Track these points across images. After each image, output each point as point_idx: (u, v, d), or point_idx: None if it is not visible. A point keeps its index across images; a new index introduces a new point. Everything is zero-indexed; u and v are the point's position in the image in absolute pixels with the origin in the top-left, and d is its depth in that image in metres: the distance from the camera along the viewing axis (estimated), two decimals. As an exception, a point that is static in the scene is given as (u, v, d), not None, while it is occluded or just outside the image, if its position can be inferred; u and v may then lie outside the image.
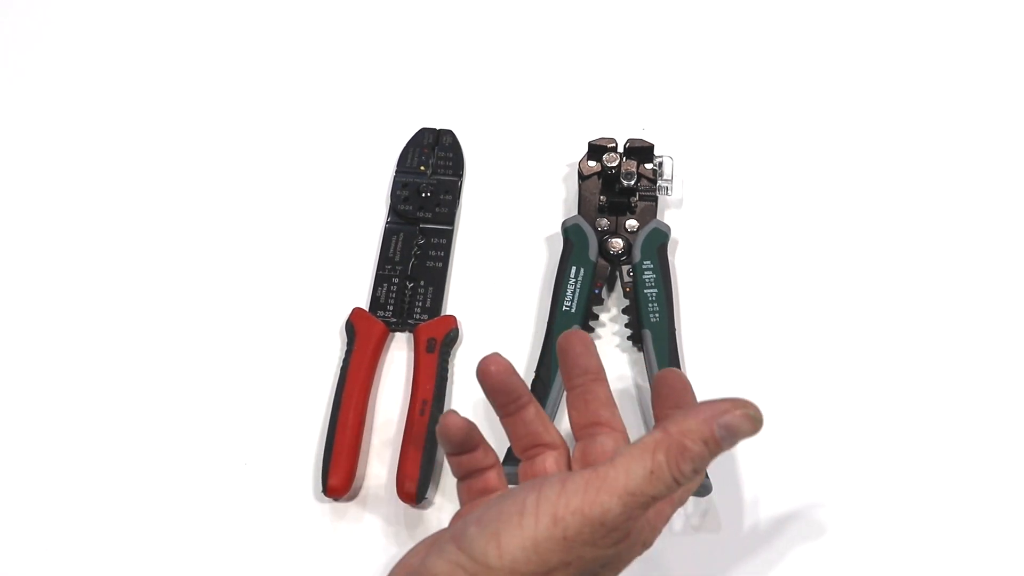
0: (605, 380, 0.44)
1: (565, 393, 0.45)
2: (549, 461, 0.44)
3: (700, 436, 0.36)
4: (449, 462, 0.44)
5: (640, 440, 0.37)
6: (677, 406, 0.42)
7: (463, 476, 0.44)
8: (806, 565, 0.49)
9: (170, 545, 0.50)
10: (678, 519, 0.50)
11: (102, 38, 0.69)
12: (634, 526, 0.38)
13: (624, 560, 0.40)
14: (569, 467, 0.44)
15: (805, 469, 0.51)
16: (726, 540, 0.50)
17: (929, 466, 0.51)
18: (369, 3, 0.70)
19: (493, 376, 0.43)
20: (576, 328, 0.44)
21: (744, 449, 0.52)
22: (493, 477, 0.44)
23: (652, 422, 0.52)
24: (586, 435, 0.43)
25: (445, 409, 0.53)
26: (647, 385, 0.53)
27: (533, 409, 0.44)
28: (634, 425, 0.53)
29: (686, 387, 0.43)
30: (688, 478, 0.36)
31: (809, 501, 0.51)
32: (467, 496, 0.44)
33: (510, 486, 0.44)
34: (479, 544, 0.36)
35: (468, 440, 0.43)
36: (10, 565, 0.50)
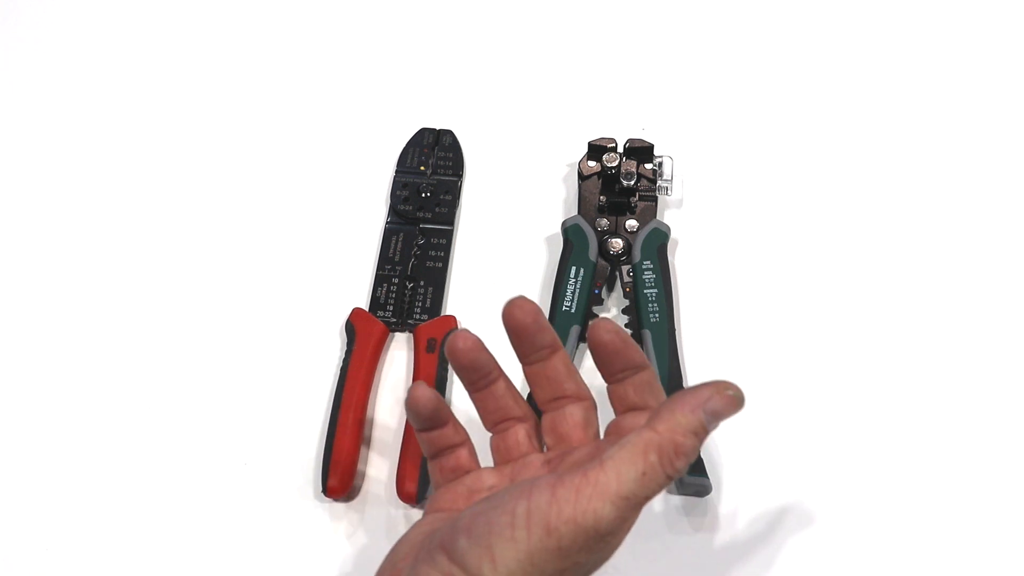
0: (562, 349, 0.43)
1: (522, 368, 0.44)
2: (520, 434, 0.43)
3: (690, 429, 0.36)
4: (419, 439, 0.44)
5: (629, 441, 0.36)
6: (626, 368, 0.41)
7: (434, 454, 0.44)
8: (806, 565, 0.49)
9: (170, 545, 0.50)
10: (678, 519, 0.50)
11: (102, 39, 0.69)
12: (627, 523, 0.37)
13: (615, 549, 0.39)
14: (540, 439, 0.44)
15: (805, 469, 0.51)
16: (726, 540, 0.50)
17: (929, 466, 0.51)
18: (369, 3, 0.70)
19: (462, 353, 0.42)
20: (519, 296, 0.42)
21: (744, 449, 0.52)
22: (464, 455, 0.44)
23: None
24: (553, 407, 0.43)
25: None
26: (647, 385, 0.53)
27: (503, 383, 0.44)
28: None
29: (626, 341, 0.41)
30: (682, 473, 0.36)
31: (809, 501, 0.51)
32: (440, 476, 0.44)
33: (494, 488, 0.43)
34: (472, 558, 0.35)
35: (437, 415, 0.43)
36: (10, 565, 0.50)
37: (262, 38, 0.68)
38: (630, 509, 0.35)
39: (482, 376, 0.43)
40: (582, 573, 0.37)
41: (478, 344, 0.43)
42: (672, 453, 0.35)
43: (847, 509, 0.50)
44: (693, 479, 0.49)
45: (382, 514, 0.51)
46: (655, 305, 0.54)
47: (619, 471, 0.35)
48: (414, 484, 0.50)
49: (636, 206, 0.58)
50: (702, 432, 0.36)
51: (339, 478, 0.50)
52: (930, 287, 0.57)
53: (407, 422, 0.52)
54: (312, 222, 0.60)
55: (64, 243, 0.60)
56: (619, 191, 0.58)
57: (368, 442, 0.53)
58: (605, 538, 0.36)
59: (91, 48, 0.68)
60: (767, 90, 0.65)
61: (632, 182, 0.57)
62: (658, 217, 0.58)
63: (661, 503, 0.51)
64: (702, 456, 0.50)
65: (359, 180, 0.62)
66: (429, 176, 0.61)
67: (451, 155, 0.62)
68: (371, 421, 0.54)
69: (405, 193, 0.60)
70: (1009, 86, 0.65)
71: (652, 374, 0.42)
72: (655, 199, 0.58)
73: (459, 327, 0.43)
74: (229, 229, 0.60)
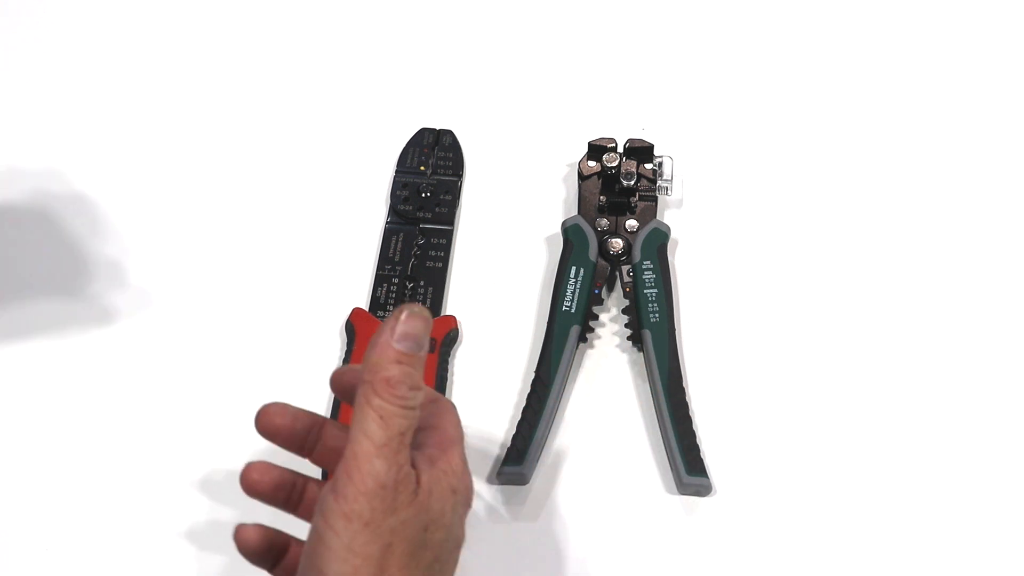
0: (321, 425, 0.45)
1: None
2: (313, 489, 0.45)
3: (391, 360, 0.37)
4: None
5: (356, 404, 0.38)
6: (311, 429, 0.44)
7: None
8: (806, 565, 0.49)
9: (170, 545, 0.50)
10: (678, 519, 0.50)
11: (102, 39, 0.69)
12: (418, 473, 0.38)
13: (440, 504, 0.39)
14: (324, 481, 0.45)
15: (805, 469, 0.51)
16: (726, 540, 0.50)
17: (930, 466, 0.51)
18: (369, 3, 0.70)
19: (258, 482, 0.44)
20: (264, 408, 0.44)
21: (744, 449, 0.52)
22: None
23: (650, 422, 0.53)
24: (319, 446, 0.45)
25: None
26: (647, 386, 0.53)
27: (277, 472, 0.44)
28: (634, 426, 0.53)
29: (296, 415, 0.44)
30: (411, 398, 0.37)
31: (809, 501, 0.51)
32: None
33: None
34: None
35: (272, 548, 0.43)
36: (10, 565, 0.50)
37: (262, 38, 0.68)
38: (396, 453, 0.37)
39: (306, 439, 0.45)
40: (417, 544, 0.37)
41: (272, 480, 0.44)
42: (386, 387, 0.37)
43: (847, 509, 0.50)
44: (693, 479, 0.49)
45: (382, 514, 0.51)
46: (655, 305, 0.54)
47: (364, 430, 0.37)
48: (414, 484, 0.50)
49: (636, 206, 0.58)
50: (405, 358, 0.38)
51: (339, 478, 0.50)
52: (930, 286, 0.57)
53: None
54: (312, 222, 0.60)
55: (64, 244, 0.60)
56: (619, 191, 0.58)
57: (368, 442, 0.53)
58: (398, 491, 0.37)
59: (91, 48, 0.68)
60: (767, 90, 0.65)
61: (632, 182, 0.57)
62: (658, 217, 0.58)
63: (661, 503, 0.51)
64: (702, 456, 0.50)
65: (359, 180, 0.62)
66: (429, 176, 0.61)
67: (451, 155, 0.62)
68: (371, 421, 0.54)
69: (405, 193, 0.60)
70: (1009, 86, 0.65)
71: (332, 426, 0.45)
72: (655, 199, 0.58)
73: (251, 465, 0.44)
74: (229, 229, 0.60)
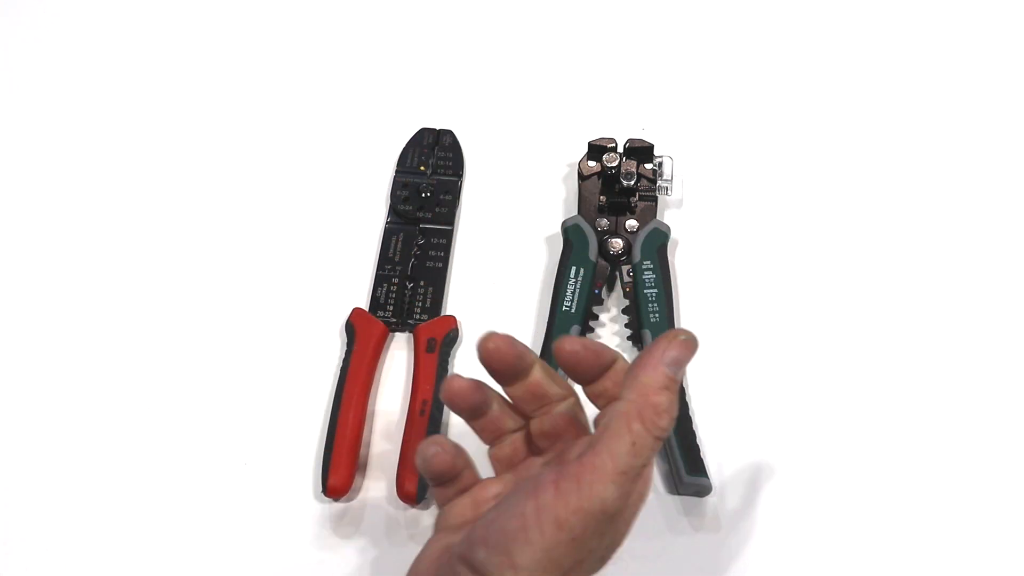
0: (537, 360, 0.42)
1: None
2: (517, 442, 0.43)
3: (659, 385, 0.37)
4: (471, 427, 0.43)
5: (611, 418, 0.37)
6: (601, 368, 0.41)
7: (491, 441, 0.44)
8: (806, 564, 0.49)
9: (170, 545, 0.50)
10: (678, 519, 0.50)
11: (102, 39, 0.69)
12: (632, 496, 0.37)
13: (627, 526, 0.39)
14: (534, 443, 0.43)
15: (805, 469, 0.51)
16: (726, 540, 0.50)
17: (930, 466, 0.51)
18: (369, 3, 0.70)
19: (493, 354, 0.41)
20: (489, 333, 0.41)
21: (744, 449, 0.52)
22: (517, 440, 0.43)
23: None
24: (540, 414, 0.42)
25: (445, 410, 0.53)
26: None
27: (496, 403, 0.43)
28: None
29: (589, 347, 0.41)
30: (668, 430, 0.37)
31: (809, 501, 0.51)
32: (497, 464, 0.44)
33: (499, 496, 0.42)
34: (493, 564, 0.36)
35: (453, 469, 0.42)
36: (10, 565, 0.50)
37: (262, 39, 0.68)
38: (630, 482, 0.36)
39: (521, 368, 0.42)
40: (597, 559, 0.38)
41: (508, 341, 0.42)
42: (652, 414, 0.36)
43: (847, 509, 0.50)
44: (693, 479, 0.49)
45: (382, 514, 0.51)
46: (655, 305, 0.54)
47: (610, 449, 0.36)
48: (414, 484, 0.50)
49: (636, 206, 0.58)
50: (671, 383, 0.37)
51: (339, 478, 0.50)
52: (930, 286, 0.57)
53: (407, 423, 0.52)
54: (312, 222, 0.60)
55: (64, 244, 0.60)
56: (619, 191, 0.58)
57: (368, 442, 0.53)
58: (614, 519, 0.36)
59: (91, 49, 0.68)
60: (767, 90, 0.65)
61: (632, 182, 0.57)
62: (658, 217, 0.58)
63: (661, 503, 0.51)
64: (702, 456, 0.50)
65: (359, 180, 0.62)
66: (429, 176, 0.61)
67: (451, 155, 0.62)
68: (371, 421, 0.54)
69: (405, 193, 0.60)
70: (1009, 86, 0.65)
71: (625, 363, 0.41)
72: (655, 199, 0.58)
73: (492, 333, 0.41)
74: (229, 229, 0.60)
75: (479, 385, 0.42)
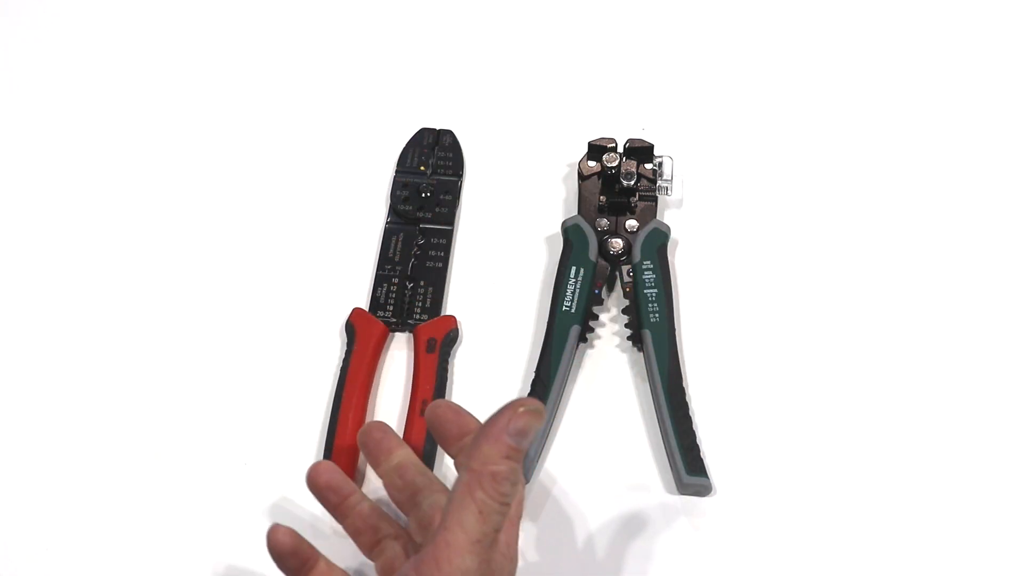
0: (403, 458, 0.46)
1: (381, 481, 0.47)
2: (397, 548, 0.45)
3: (500, 455, 0.37)
4: None
5: (455, 491, 0.38)
6: (461, 434, 0.44)
7: None
8: (806, 564, 0.49)
9: (170, 545, 0.50)
10: (678, 519, 0.50)
11: (102, 39, 0.69)
12: (493, 563, 0.39)
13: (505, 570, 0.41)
14: (415, 549, 0.44)
15: (805, 469, 0.51)
16: (726, 540, 0.50)
17: (930, 465, 0.51)
18: (369, 3, 0.70)
19: (282, 544, 0.43)
20: (314, 466, 0.47)
21: (744, 449, 0.52)
22: None
23: (650, 422, 0.53)
24: (413, 504, 0.45)
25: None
26: (647, 386, 0.53)
27: (367, 505, 0.46)
28: (634, 426, 0.53)
29: (457, 412, 0.45)
30: (512, 495, 0.38)
31: (809, 501, 0.51)
32: None
33: None
34: None
35: (298, 553, 0.44)
36: (10, 565, 0.50)
37: (262, 39, 0.68)
38: (486, 550, 0.37)
39: (343, 499, 0.46)
40: None
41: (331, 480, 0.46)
42: (492, 483, 0.37)
43: (847, 509, 0.50)
44: (693, 479, 0.49)
45: (382, 514, 0.51)
46: (655, 305, 0.54)
47: (460, 522, 0.37)
48: (414, 484, 0.50)
49: (636, 206, 0.58)
50: (514, 453, 0.38)
51: (339, 478, 0.50)
52: (929, 286, 0.57)
53: (407, 423, 0.52)
54: (312, 222, 0.60)
55: (64, 245, 0.60)
56: (619, 191, 0.58)
57: (368, 442, 0.53)
58: None
59: (91, 49, 0.68)
60: (767, 90, 0.65)
61: (632, 182, 0.57)
62: (658, 217, 0.58)
63: (661, 503, 0.51)
64: (702, 456, 0.50)
65: (359, 180, 0.62)
66: (429, 176, 0.61)
67: (451, 155, 0.62)
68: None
69: (405, 193, 0.60)
70: (1009, 86, 0.65)
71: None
72: (655, 199, 0.58)
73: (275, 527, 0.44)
74: (229, 229, 0.60)
75: (297, 538, 0.44)
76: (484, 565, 0.37)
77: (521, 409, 0.38)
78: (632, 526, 0.50)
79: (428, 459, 0.50)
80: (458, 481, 0.38)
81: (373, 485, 0.50)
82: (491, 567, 0.38)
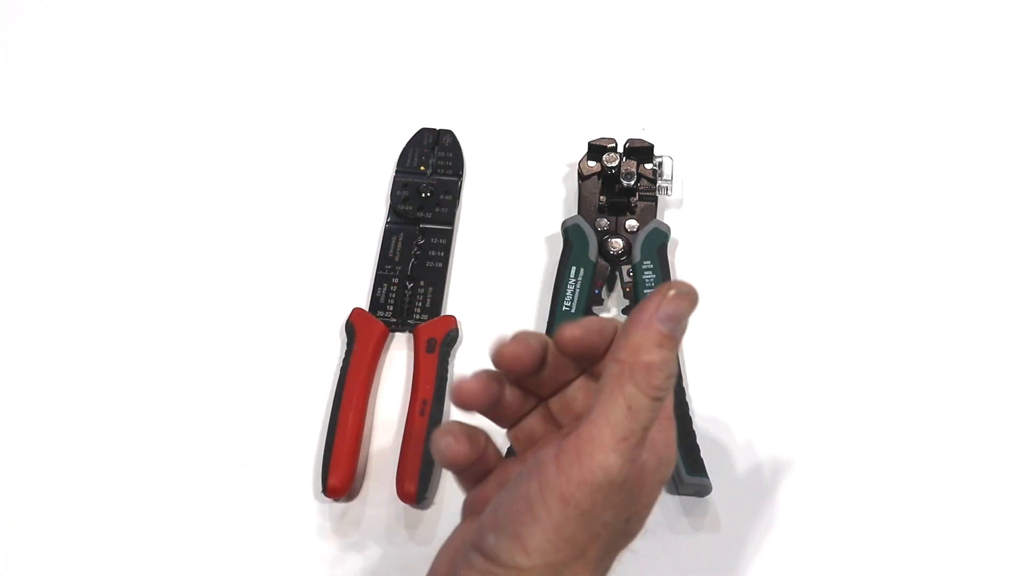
0: (548, 344, 0.40)
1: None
2: (535, 421, 0.41)
3: (654, 343, 0.34)
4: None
5: (603, 383, 0.35)
6: (605, 343, 0.39)
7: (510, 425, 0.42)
8: (806, 564, 0.49)
9: (170, 545, 0.50)
10: (678, 519, 0.50)
11: (102, 39, 0.69)
12: (641, 464, 0.36)
13: (648, 496, 0.38)
14: (555, 420, 0.41)
15: (805, 469, 0.51)
16: (726, 540, 0.50)
17: (930, 464, 0.51)
18: (369, 3, 0.70)
19: (512, 361, 0.39)
20: (507, 339, 0.40)
21: (744, 449, 0.52)
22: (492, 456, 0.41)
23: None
24: (558, 391, 0.41)
25: (445, 410, 0.53)
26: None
27: (509, 391, 0.41)
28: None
29: (587, 330, 0.39)
30: (666, 389, 0.35)
31: (809, 501, 0.51)
32: (465, 484, 0.42)
33: (509, 463, 0.41)
34: (504, 551, 0.35)
35: (468, 459, 0.40)
36: (10, 565, 0.50)
37: (262, 39, 0.68)
38: (633, 447, 0.34)
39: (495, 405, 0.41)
40: (618, 534, 0.36)
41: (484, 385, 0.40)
42: (645, 374, 0.34)
43: (847, 509, 0.50)
44: (693, 479, 0.49)
45: (382, 514, 0.51)
46: (655, 305, 0.54)
47: (607, 416, 0.34)
48: (414, 484, 0.50)
49: (636, 206, 0.58)
50: (667, 341, 0.35)
51: (339, 478, 0.50)
52: (929, 286, 0.57)
53: (406, 422, 0.52)
54: (312, 222, 0.60)
55: (64, 245, 0.60)
56: (619, 191, 0.58)
57: (368, 442, 0.53)
58: (624, 488, 0.35)
59: (91, 49, 0.68)
60: (767, 90, 0.65)
61: (632, 182, 0.57)
62: (658, 217, 0.58)
63: (661, 503, 0.51)
64: (702, 456, 0.50)
65: (359, 180, 0.62)
66: (429, 176, 0.61)
67: (451, 155, 0.62)
68: (371, 421, 0.54)
69: (405, 193, 0.60)
70: (1009, 86, 0.65)
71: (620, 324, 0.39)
72: (655, 199, 0.58)
73: (467, 378, 0.40)
74: (229, 229, 0.60)
75: (488, 382, 0.40)
76: (629, 465, 0.34)
77: (672, 292, 0.35)
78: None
79: (429, 466, 0.50)
80: (606, 373, 0.35)
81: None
82: (638, 467, 0.35)
